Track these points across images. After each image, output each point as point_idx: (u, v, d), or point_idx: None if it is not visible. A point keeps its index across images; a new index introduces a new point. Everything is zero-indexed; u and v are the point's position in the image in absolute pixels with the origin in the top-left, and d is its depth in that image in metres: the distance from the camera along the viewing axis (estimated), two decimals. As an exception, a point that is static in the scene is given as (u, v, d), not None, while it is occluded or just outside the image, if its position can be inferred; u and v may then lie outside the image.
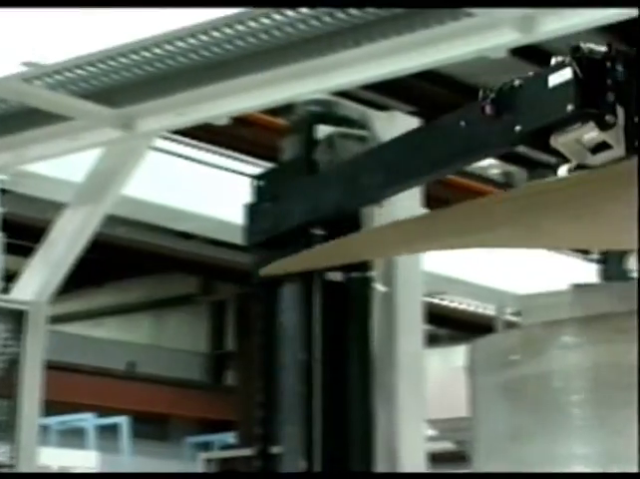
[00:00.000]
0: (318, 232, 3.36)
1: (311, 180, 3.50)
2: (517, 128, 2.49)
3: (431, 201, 3.83)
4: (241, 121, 6.38)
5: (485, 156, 2.85)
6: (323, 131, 3.67)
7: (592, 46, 2.36)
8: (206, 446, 13.09)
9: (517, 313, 5.83)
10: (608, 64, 2.34)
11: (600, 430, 2.53)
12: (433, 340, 6.12)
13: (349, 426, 3.47)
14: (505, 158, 14.17)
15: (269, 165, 4.53)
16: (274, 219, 3.52)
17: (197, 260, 11.09)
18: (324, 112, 3.73)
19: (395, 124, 3.85)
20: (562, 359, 2.60)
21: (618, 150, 2.34)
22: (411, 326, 3.76)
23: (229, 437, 12.63)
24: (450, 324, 9.80)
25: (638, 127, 2.29)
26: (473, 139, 2.67)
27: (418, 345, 3.77)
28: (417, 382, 3.74)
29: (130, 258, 11.60)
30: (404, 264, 3.68)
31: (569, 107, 2.35)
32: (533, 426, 2.63)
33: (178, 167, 5.92)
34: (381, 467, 3.49)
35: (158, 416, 13.56)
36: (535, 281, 6.13)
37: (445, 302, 8.28)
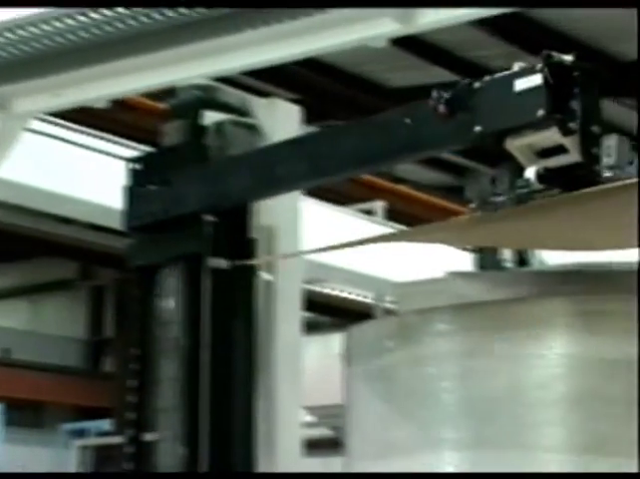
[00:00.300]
0: (209, 218, 3.38)
1: (207, 167, 3.50)
2: (477, 128, 2.57)
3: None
4: (122, 104, 6.35)
5: (433, 153, 2.89)
6: (210, 117, 3.66)
7: (561, 55, 2.48)
8: (82, 433, 12.94)
9: (396, 301, 5.89)
10: (575, 73, 2.46)
11: (470, 416, 2.58)
12: (313, 328, 6.14)
13: (230, 413, 3.48)
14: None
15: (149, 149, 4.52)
16: (161, 203, 3.50)
17: (76, 245, 10.97)
18: (208, 97, 3.72)
19: (275, 111, 3.86)
20: (435, 346, 2.65)
21: (573, 155, 2.46)
22: (290, 314, 3.79)
23: (105, 424, 12.51)
24: (330, 312, 9.85)
25: (594, 135, 2.44)
26: (419, 136, 2.74)
27: (296, 333, 3.80)
28: (294, 369, 3.76)
29: (5, 243, 11.42)
30: (285, 253, 3.71)
31: (540, 112, 2.45)
32: (406, 411, 2.67)
33: (57, 150, 5.84)
34: (260, 452, 3.51)
35: (33, 403, 13.39)
36: (413, 269, 6.18)
37: (326, 290, 8.32)
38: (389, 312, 6.83)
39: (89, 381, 13.99)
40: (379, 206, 8.36)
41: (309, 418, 6.82)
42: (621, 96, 14.11)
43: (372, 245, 6.81)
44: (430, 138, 2.73)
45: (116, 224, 3.92)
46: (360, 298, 7.97)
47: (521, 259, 4.37)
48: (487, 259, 4.44)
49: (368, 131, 3.01)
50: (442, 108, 2.61)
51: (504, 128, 2.54)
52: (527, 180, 2.51)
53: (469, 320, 2.62)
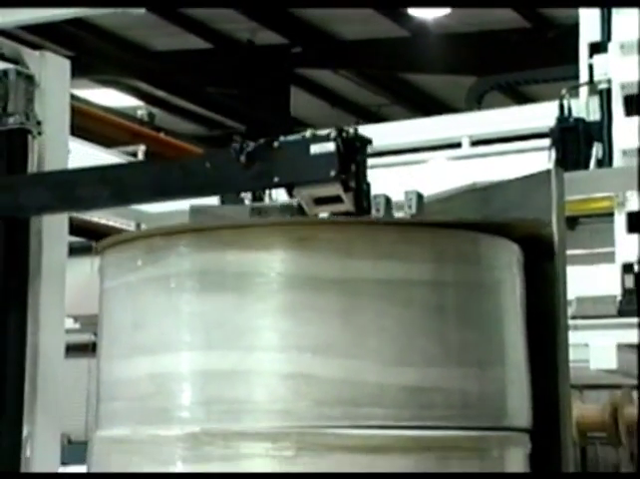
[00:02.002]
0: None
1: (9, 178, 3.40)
2: (276, 179, 2.75)
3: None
4: None
5: (231, 192, 2.96)
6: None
7: (347, 128, 2.72)
8: None
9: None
10: (357, 144, 2.69)
11: (203, 323, 2.57)
12: (87, 251, 6.10)
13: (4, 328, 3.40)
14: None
15: None
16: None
17: None
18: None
19: (47, 63, 3.73)
20: (176, 265, 2.62)
21: (347, 205, 2.72)
22: (57, 239, 3.70)
23: None
24: (96, 237, 9.74)
25: (365, 191, 2.72)
26: (218, 179, 2.85)
27: (63, 255, 3.72)
28: (60, 285, 3.69)
29: None
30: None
31: (332, 172, 2.66)
32: (150, 319, 2.64)
33: None
34: (28, 356, 3.43)
35: None
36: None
37: (94, 219, 8.21)
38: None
39: None
40: (141, 149, 8.30)
41: (77, 325, 6.70)
42: (341, 68, 14.36)
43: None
44: (228, 181, 2.85)
45: None
46: (121, 226, 7.93)
47: (256, 197, 4.43)
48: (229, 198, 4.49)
49: (170, 168, 3.06)
50: (243, 158, 2.73)
51: (299, 181, 2.73)
52: None
53: (204, 243, 2.60)
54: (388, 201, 2.76)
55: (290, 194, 2.80)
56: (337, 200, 2.73)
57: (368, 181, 2.73)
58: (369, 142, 2.72)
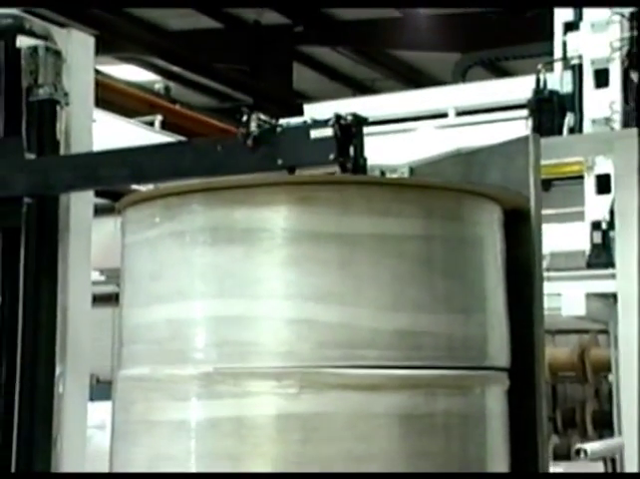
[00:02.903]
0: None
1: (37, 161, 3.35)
2: (280, 161, 2.71)
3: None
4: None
5: (240, 174, 2.96)
6: (24, 41, 3.47)
7: (343, 114, 2.67)
8: None
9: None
10: (353, 129, 2.65)
11: (215, 274, 2.56)
12: (110, 211, 6.12)
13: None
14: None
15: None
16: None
17: None
18: (19, 24, 3.52)
19: (73, 40, 3.69)
20: (190, 222, 2.60)
21: None
22: (83, 202, 3.68)
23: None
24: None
25: (363, 170, 2.67)
26: (228, 161, 2.81)
27: (89, 214, 3.71)
28: (86, 242, 3.67)
29: None
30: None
31: (331, 155, 2.63)
32: (165, 269, 2.63)
33: None
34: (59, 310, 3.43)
35: None
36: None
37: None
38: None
39: None
40: (158, 119, 8.25)
41: (102, 278, 6.69)
42: (339, 46, 14.22)
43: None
44: (236, 163, 2.80)
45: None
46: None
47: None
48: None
49: (184, 151, 3.01)
50: (249, 142, 2.71)
51: (301, 163, 2.71)
52: None
53: (215, 202, 2.58)
54: (382, 174, 2.75)
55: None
56: None
57: (365, 156, 2.70)
58: (365, 123, 2.69)
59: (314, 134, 2.67)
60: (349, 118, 2.66)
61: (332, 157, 2.64)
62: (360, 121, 2.69)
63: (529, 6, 11.48)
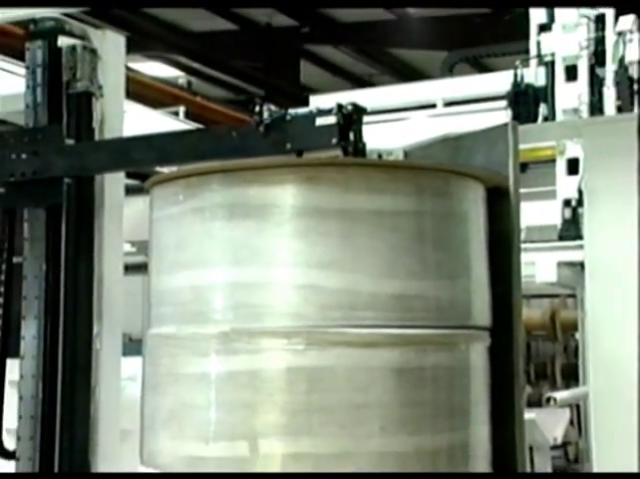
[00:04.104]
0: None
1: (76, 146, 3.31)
2: (289, 146, 2.67)
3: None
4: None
5: (255, 157, 2.85)
6: (64, 41, 3.46)
7: (344, 104, 2.65)
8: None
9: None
10: (353, 117, 2.63)
11: (232, 245, 2.54)
12: (139, 191, 6.06)
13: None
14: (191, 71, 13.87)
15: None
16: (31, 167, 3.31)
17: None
18: (60, 26, 3.50)
19: (106, 40, 3.66)
20: (210, 199, 2.58)
21: None
22: (116, 182, 3.66)
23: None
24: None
25: (362, 152, 2.63)
26: (243, 146, 2.79)
27: (120, 194, 3.69)
28: (118, 219, 3.66)
29: None
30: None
31: (334, 140, 2.60)
32: (188, 240, 2.61)
33: None
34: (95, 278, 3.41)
35: None
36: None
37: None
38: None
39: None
40: (181, 110, 8.22)
41: (133, 249, 6.68)
42: (341, 45, 14.14)
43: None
44: (250, 147, 2.78)
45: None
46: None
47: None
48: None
49: (204, 137, 3.01)
50: (262, 129, 2.69)
51: (307, 148, 2.68)
52: None
53: (231, 181, 2.56)
54: (379, 156, 2.72)
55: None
56: None
57: (364, 141, 2.69)
58: (364, 112, 2.68)
59: (319, 121, 2.66)
60: (349, 107, 2.65)
61: (335, 141, 2.63)
62: (359, 110, 2.67)
63: (508, 5, 11.39)
